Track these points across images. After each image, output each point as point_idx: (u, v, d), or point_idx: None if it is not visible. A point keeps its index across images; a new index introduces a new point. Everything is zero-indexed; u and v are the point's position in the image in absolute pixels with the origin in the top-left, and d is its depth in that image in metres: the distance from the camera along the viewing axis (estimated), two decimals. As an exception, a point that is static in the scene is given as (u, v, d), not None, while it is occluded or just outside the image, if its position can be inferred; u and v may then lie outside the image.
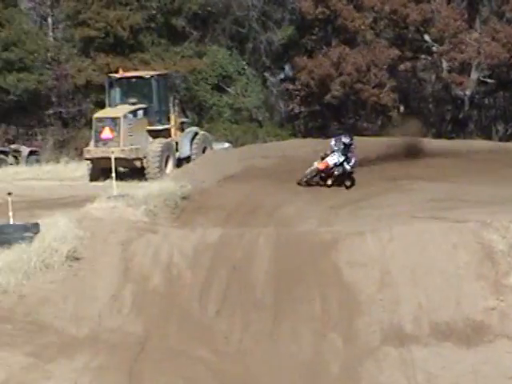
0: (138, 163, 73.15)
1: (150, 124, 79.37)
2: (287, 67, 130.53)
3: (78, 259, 41.92)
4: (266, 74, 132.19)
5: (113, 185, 57.87)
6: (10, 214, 44.80)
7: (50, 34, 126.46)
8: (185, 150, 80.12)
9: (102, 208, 49.81)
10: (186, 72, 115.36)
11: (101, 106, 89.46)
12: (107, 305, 39.14)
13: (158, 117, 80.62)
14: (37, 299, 39.63)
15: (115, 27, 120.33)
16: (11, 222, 44.47)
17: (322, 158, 62.94)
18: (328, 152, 64.63)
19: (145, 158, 74.96)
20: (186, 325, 35.86)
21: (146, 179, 69.60)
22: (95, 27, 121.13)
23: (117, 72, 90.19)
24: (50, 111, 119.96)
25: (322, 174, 64.38)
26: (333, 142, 66.66)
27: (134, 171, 70.35)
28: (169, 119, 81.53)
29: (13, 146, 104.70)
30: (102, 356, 34.40)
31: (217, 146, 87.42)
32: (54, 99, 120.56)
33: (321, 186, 64.14)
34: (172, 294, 39.52)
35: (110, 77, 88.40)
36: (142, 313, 37.82)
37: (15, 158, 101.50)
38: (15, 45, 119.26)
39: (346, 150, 63.29)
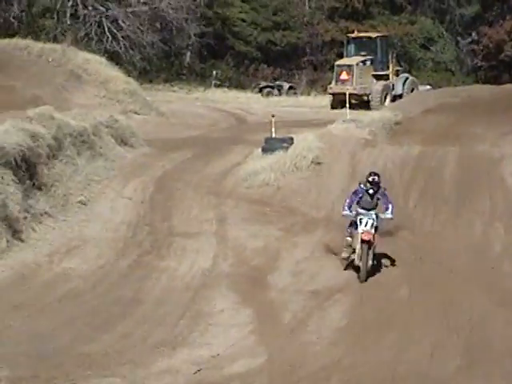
0: (365, 97, 73.79)
1: (375, 70, 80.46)
2: (474, 33, 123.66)
3: (319, 163, 42.80)
4: (459, 38, 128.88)
5: (346, 112, 58.43)
6: (273, 130, 45.52)
7: (307, 3, 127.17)
8: (398, 90, 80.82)
9: (338, 128, 50.19)
10: (401, 34, 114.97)
11: (340, 56, 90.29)
12: (338, 196, 39.59)
13: (380, 65, 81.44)
14: (289, 190, 41.61)
15: (353, 1, 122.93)
16: (274, 135, 45.05)
17: (350, 224, 33.19)
18: (353, 215, 33.46)
19: (370, 94, 75.40)
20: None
21: (370, 109, 69.78)
22: (339, 0, 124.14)
23: (352, 33, 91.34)
24: (305, 59, 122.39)
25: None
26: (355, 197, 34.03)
27: (362, 103, 70.47)
28: (388, 67, 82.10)
29: (277, 82, 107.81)
30: (333, 232, 34.99)
31: (421, 88, 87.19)
32: (307, 50, 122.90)
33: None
34: (384, 191, 40.03)
35: (347, 36, 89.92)
36: (361, 203, 38.36)
37: (279, 91, 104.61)
38: (281, 11, 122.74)
39: (374, 195, 32.94)
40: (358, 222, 25.08)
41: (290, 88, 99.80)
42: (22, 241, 33.04)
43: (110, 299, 28.04)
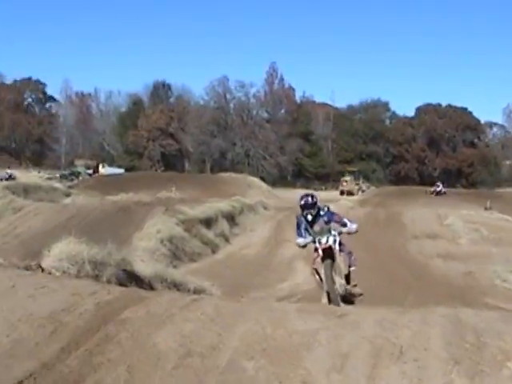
0: (351, 192, 72.18)
1: (355, 181, 78.89)
2: (390, 168, 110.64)
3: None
4: (386, 170, 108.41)
5: (345, 197, 57.86)
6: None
7: (331, 157, 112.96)
8: (364, 189, 79.64)
9: (342, 202, 49.74)
10: (363, 169, 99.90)
11: (342, 176, 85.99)
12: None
13: (356, 180, 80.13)
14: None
15: (347, 156, 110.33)
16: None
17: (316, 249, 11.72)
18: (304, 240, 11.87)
19: (353, 190, 73.95)
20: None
21: (353, 195, 68.71)
22: (342, 156, 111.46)
23: (346, 168, 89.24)
24: (330, 178, 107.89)
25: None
26: (302, 221, 12.05)
27: (350, 193, 69.26)
28: (359, 180, 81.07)
29: (322, 187, 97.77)
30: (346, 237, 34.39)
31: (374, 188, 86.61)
32: (331, 174, 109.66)
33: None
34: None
35: (346, 170, 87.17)
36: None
37: (321, 189, 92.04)
38: (321, 162, 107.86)
39: (317, 220, 11.84)
40: (317, 243, 11.44)
41: (325, 188, 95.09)
42: (229, 243, 33.20)
43: (260, 263, 27.95)
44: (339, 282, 11.28)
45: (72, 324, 7.45)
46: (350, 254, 11.75)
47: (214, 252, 31.16)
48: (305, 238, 11.50)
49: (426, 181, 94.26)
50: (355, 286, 11.84)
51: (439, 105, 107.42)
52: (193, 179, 66.36)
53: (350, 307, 9.27)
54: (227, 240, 33.99)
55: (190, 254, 29.08)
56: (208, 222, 33.36)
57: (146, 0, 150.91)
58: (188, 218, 31.55)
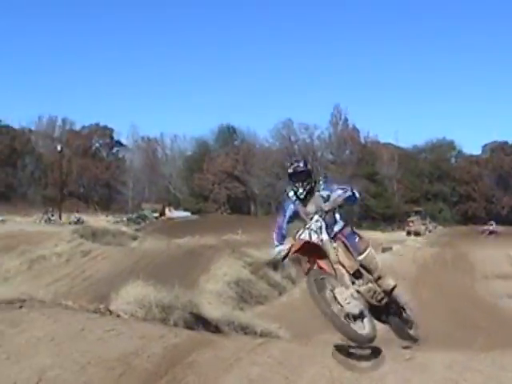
0: (418, 232, 70.77)
1: (421, 220, 77.42)
2: (456, 208, 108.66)
3: (401, 255, 40.38)
4: (452, 210, 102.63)
5: (411, 238, 57.01)
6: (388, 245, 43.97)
7: (396, 197, 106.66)
8: (430, 229, 77.92)
9: (408, 242, 49.23)
10: (430, 210, 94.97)
11: (408, 217, 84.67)
12: (409, 265, 37.26)
13: (422, 219, 78.64)
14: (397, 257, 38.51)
15: (413, 195, 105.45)
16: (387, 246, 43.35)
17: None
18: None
19: (420, 231, 72.43)
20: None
21: (420, 236, 67.51)
22: (409, 197, 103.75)
23: (413, 209, 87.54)
24: (397, 218, 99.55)
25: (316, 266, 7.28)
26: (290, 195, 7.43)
27: (417, 234, 68.41)
28: (425, 220, 79.54)
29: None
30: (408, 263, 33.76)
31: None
32: (396, 214, 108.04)
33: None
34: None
35: (413, 210, 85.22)
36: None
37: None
38: (386, 200, 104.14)
39: (312, 195, 7.17)
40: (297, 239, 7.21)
41: (392, 229, 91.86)
42: (296, 286, 32.71)
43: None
44: (343, 296, 7.63)
45: (140, 367, 7.52)
46: (352, 235, 7.64)
47: (280, 294, 30.83)
48: (286, 241, 7.66)
49: (494, 220, 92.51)
50: (380, 278, 7.76)
51: (506, 142, 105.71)
52: (259, 222, 65.76)
53: (417, 352, 8.93)
54: (294, 282, 33.55)
55: (256, 296, 28.92)
56: (275, 265, 33.14)
57: (210, 44, 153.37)
58: (254, 261, 31.45)
